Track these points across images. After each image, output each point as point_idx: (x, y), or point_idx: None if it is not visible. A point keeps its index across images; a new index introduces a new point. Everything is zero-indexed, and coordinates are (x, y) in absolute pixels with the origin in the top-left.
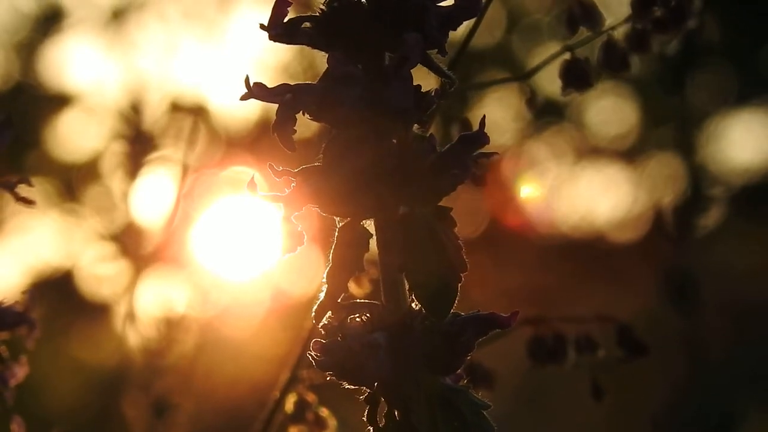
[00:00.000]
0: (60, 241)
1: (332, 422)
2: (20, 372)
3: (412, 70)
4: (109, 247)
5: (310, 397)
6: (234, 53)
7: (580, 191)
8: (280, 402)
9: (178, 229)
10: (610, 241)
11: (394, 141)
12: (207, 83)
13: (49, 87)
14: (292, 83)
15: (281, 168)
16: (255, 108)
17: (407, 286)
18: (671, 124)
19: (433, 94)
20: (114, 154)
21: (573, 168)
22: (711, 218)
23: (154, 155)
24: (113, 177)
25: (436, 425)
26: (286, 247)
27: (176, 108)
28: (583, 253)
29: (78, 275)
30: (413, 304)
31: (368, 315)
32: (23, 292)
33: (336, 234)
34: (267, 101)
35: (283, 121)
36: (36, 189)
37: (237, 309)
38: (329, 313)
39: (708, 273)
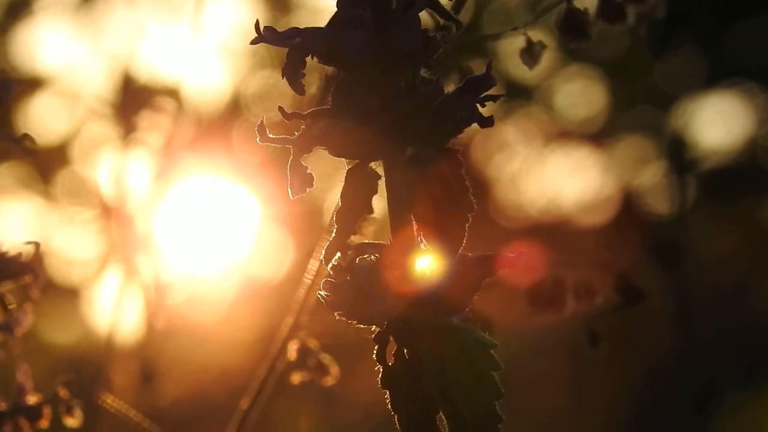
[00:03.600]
0: (33, 225)
1: (334, 369)
2: (26, 321)
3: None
4: (82, 230)
5: (313, 344)
6: (204, 36)
7: (548, 174)
8: (282, 349)
9: (150, 211)
10: (578, 225)
11: (402, 84)
12: (179, 65)
13: (21, 71)
14: (300, 27)
15: (291, 111)
16: (226, 90)
17: (415, 226)
18: (640, 107)
19: (439, 37)
20: (86, 136)
21: (542, 151)
22: (681, 200)
23: (126, 137)
24: (86, 159)
25: (443, 363)
26: (295, 190)
27: (148, 90)
28: (551, 236)
29: (51, 258)
30: (421, 245)
31: (377, 255)
32: (27, 243)
33: (345, 176)
34: (276, 45)
35: (293, 65)
36: (9, 172)
37: (207, 294)
38: (338, 254)
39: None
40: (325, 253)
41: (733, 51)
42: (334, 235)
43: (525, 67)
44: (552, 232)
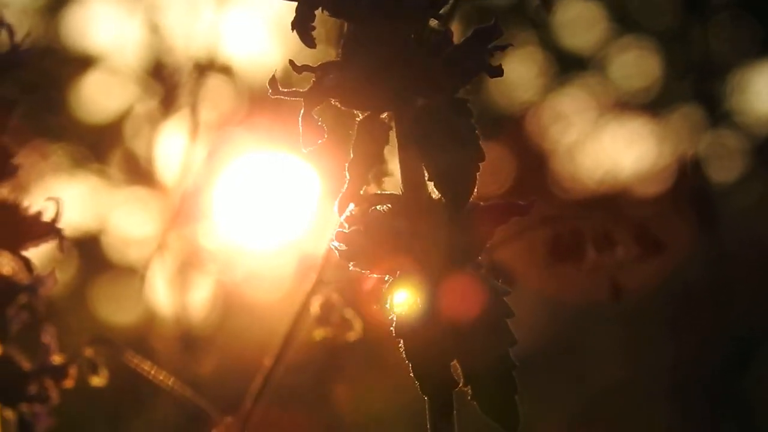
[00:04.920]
0: (87, 204)
1: (358, 324)
2: (50, 282)
3: None
4: (136, 209)
5: (336, 299)
6: (255, 12)
7: (604, 145)
8: (306, 305)
9: (202, 188)
10: (635, 195)
11: (411, 35)
12: (230, 41)
13: (73, 50)
14: None
15: (301, 64)
16: (278, 66)
17: (426, 176)
18: (695, 77)
19: None
20: (139, 114)
21: (597, 122)
22: (734, 170)
23: (178, 114)
24: (138, 137)
25: (456, 311)
26: (306, 142)
27: (199, 67)
28: (609, 207)
29: (105, 237)
30: (432, 194)
31: (389, 205)
32: (48, 199)
33: (356, 127)
34: None
35: (302, 18)
36: (63, 151)
37: (263, 271)
38: (351, 205)
39: (731, 223)
40: (339, 204)
41: None
42: (346, 186)
43: (576, 37)
44: (609, 202)
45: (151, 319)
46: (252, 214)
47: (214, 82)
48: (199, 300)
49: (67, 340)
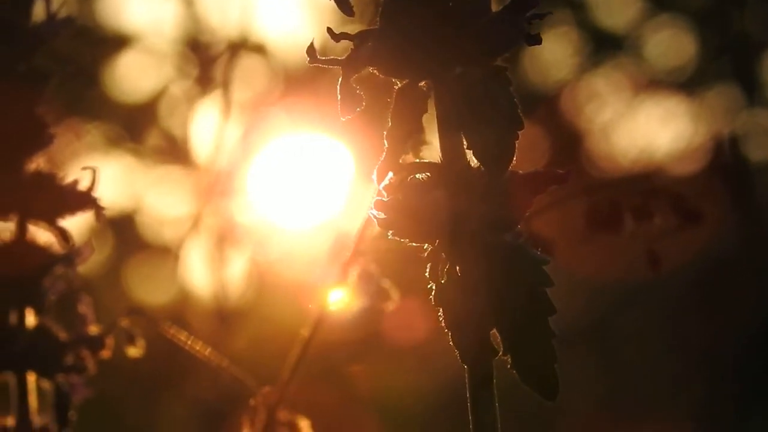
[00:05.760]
0: (122, 183)
1: (395, 294)
2: (87, 252)
3: None
4: (171, 187)
5: (373, 269)
6: None
7: (639, 124)
8: (343, 275)
9: (237, 167)
10: (670, 174)
11: (450, 3)
12: (265, 20)
13: (107, 27)
14: None
15: (339, 32)
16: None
17: (465, 145)
18: (729, 55)
19: None
20: (174, 93)
21: (632, 101)
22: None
23: (213, 93)
24: (174, 116)
25: (495, 280)
26: (344, 109)
27: (235, 45)
28: (644, 186)
29: (140, 217)
30: (471, 162)
31: (428, 174)
32: (83, 168)
33: (395, 96)
34: None
35: None
36: (97, 130)
37: (297, 249)
38: (390, 174)
39: (766, 202)
40: (377, 172)
41: None
42: (385, 154)
43: (611, 15)
44: (644, 181)
45: (185, 298)
46: (287, 193)
47: (250, 61)
48: (234, 277)
49: (102, 318)
